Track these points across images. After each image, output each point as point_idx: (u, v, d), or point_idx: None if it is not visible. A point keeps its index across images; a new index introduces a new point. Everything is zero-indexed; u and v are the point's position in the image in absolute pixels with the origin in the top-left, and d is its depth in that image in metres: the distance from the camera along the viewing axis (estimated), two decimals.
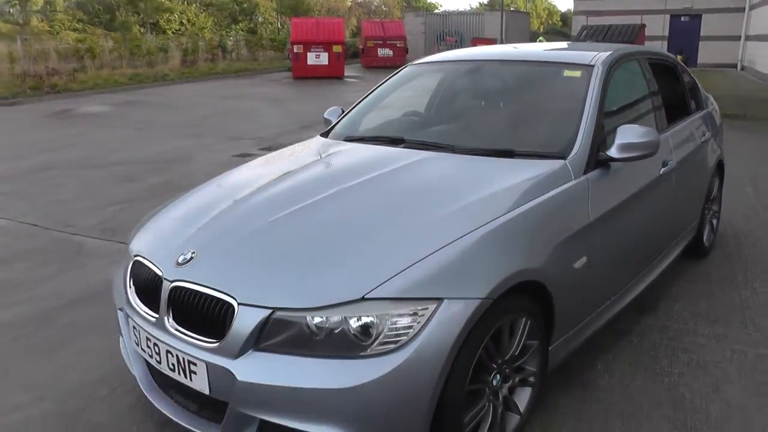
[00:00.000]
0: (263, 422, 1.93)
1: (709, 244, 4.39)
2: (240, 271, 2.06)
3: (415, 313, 1.87)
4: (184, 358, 2.03)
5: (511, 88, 3.33)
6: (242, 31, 34.46)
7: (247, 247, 2.17)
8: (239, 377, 1.89)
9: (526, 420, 2.39)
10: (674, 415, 2.57)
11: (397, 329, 1.85)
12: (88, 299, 3.77)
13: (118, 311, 2.45)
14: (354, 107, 3.77)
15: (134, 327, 2.28)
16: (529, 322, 2.24)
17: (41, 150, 8.65)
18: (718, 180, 4.53)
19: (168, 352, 2.09)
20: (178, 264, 2.15)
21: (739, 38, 23.78)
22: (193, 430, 2.13)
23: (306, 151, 3.29)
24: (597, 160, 2.73)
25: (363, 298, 1.86)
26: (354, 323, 1.86)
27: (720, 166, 4.50)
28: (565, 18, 65.58)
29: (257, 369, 1.89)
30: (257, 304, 1.91)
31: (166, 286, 2.13)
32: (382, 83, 3.86)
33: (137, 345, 2.29)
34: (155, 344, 2.14)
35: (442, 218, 2.20)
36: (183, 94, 16.65)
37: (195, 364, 2.00)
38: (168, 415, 2.22)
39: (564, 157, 2.66)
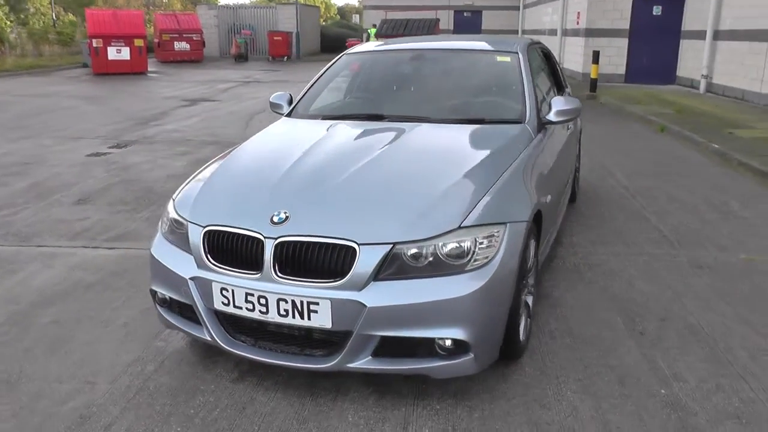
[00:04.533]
0: (383, 338, 2.35)
1: (576, 189, 5.57)
2: (348, 219, 2.44)
3: (492, 235, 2.45)
4: (302, 301, 2.35)
5: (459, 72, 3.99)
6: (10, 21, 30.36)
7: (337, 200, 2.55)
8: (369, 304, 2.29)
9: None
10: (611, 305, 3.49)
11: (484, 248, 2.42)
12: (53, 298, 3.63)
13: (189, 281, 2.60)
14: (306, 92, 4.11)
15: (222, 289, 2.50)
16: (534, 243, 2.95)
17: None
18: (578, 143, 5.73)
19: (280, 300, 2.38)
20: (274, 223, 2.44)
21: (516, 32, 27.50)
22: (301, 366, 2.47)
23: (302, 128, 3.61)
24: (541, 122, 3.53)
25: (460, 227, 2.40)
26: (456, 246, 2.37)
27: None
28: (343, 12, 68.10)
29: (382, 296, 2.30)
30: (378, 242, 2.33)
31: (269, 244, 2.41)
32: (324, 71, 4.27)
33: (226, 305, 2.51)
34: (261, 297, 2.41)
35: (478, 167, 2.80)
36: None
37: (317, 304, 2.33)
38: (267, 361, 2.52)
39: (523, 122, 3.41)
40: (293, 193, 2.63)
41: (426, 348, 2.39)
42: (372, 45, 4.49)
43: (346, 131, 3.39)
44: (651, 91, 13.41)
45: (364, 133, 3.29)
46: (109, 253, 4.38)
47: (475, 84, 3.92)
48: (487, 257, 2.41)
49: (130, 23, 19.95)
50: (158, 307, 2.90)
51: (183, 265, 2.66)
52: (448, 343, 2.36)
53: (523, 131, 3.32)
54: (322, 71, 4.29)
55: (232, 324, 2.62)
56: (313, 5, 49.43)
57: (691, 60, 14.29)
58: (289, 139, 3.40)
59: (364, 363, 2.40)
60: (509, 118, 3.45)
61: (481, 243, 2.41)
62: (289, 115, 3.93)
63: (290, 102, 4.09)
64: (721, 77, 12.75)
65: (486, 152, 2.98)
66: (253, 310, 2.45)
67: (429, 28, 21.22)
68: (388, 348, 2.39)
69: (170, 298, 2.79)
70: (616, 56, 15.17)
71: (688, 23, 14.70)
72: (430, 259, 2.37)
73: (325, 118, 3.72)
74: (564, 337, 3.12)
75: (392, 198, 2.57)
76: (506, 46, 3.97)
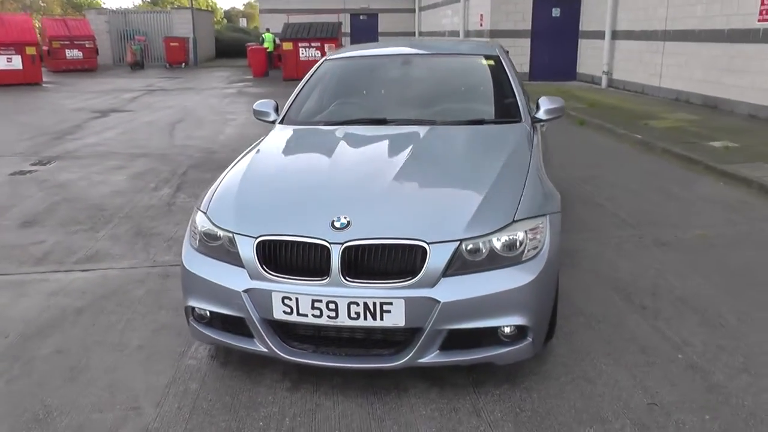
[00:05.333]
0: (451, 331, 2.46)
1: None
2: (412, 219, 2.51)
3: (537, 227, 2.62)
4: (374, 303, 2.39)
5: (449, 75, 4.15)
6: None
7: (392, 202, 2.62)
8: (442, 300, 2.39)
9: None
10: (604, 285, 3.80)
11: (533, 240, 2.59)
12: (44, 328, 3.39)
13: (243, 294, 2.56)
14: (294, 99, 4.10)
15: (284, 298, 2.49)
16: None
17: None
18: None
19: (351, 303, 2.41)
20: (336, 229, 2.47)
21: (414, 34, 28.28)
22: (372, 366, 2.54)
23: (311, 134, 3.63)
24: (533, 121, 3.77)
25: (513, 221, 2.55)
26: (509, 239, 2.52)
27: None
28: (229, 15, 66.55)
29: (453, 291, 2.40)
30: (446, 239, 2.43)
31: (336, 250, 2.43)
32: (308, 78, 4.27)
33: (288, 314, 2.50)
34: (330, 302, 2.43)
35: (507, 164, 2.96)
36: None
37: (390, 303, 2.39)
38: (335, 365, 2.55)
39: (520, 121, 3.64)
40: (344, 198, 2.67)
41: (490, 337, 2.52)
42: (352, 51, 4.56)
43: (363, 136, 3.45)
44: (558, 87, 14.30)
45: (382, 138, 3.37)
46: (86, 276, 4.15)
47: (467, 87, 4.10)
48: (536, 247, 2.58)
49: (19, 29, 18.46)
50: (195, 323, 2.82)
51: (231, 277, 2.61)
52: (510, 330, 2.51)
53: (524, 129, 3.54)
54: (306, 78, 4.29)
55: (287, 333, 2.62)
56: (207, 10, 48.13)
57: (591, 58, 15.42)
58: (305, 145, 3.42)
59: (433, 357, 2.49)
60: (508, 119, 3.67)
61: (530, 235, 2.58)
62: (281, 122, 3.92)
63: (276, 110, 4.07)
64: (621, 73, 13.88)
65: (506, 150, 3.16)
66: (320, 316, 2.46)
67: (332, 31, 21.34)
68: (455, 340, 2.49)
69: (211, 312, 2.73)
70: (520, 55, 16.05)
71: (586, 24, 15.85)
72: (487, 253, 2.51)
73: (327, 124, 3.75)
74: (578, 317, 3.37)
75: (446, 198, 2.69)
76: (486, 50, 4.20)
